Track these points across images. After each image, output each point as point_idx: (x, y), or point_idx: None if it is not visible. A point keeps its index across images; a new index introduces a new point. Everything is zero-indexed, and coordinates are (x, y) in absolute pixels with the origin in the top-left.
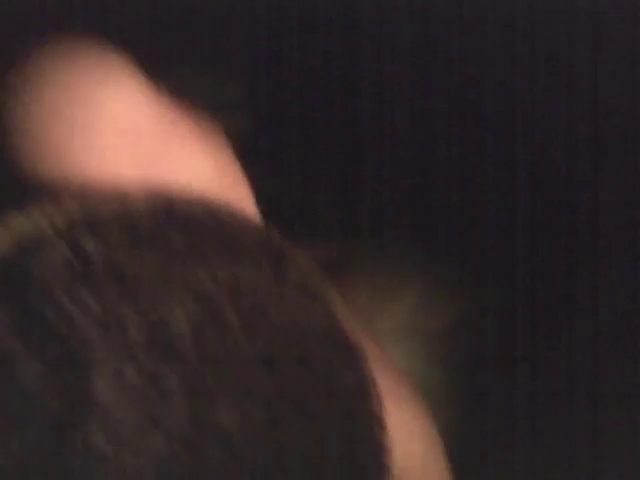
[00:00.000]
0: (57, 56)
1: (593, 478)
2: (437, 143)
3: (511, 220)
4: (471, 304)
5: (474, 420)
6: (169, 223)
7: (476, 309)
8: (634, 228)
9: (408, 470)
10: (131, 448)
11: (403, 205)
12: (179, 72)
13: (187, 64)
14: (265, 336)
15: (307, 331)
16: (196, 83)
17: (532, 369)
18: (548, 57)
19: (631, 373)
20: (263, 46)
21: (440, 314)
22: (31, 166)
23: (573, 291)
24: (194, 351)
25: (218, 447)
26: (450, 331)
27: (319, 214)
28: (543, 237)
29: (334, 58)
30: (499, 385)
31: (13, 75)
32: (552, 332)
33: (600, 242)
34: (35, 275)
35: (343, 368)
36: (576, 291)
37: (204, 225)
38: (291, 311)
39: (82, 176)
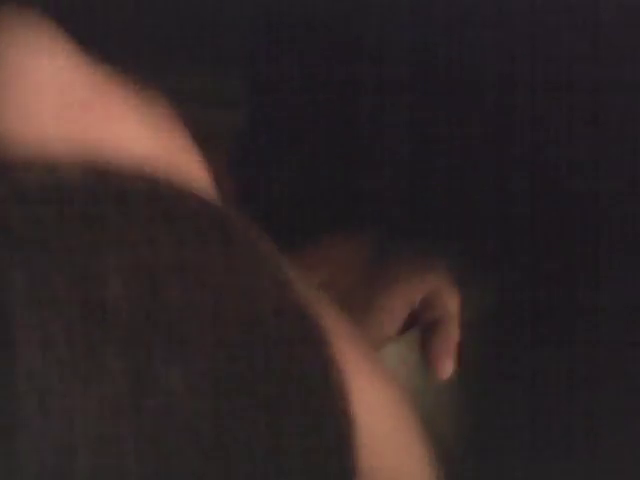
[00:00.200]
0: None
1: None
2: (437, 145)
3: (511, 228)
4: (472, 307)
5: (474, 426)
6: (103, 193)
7: (476, 311)
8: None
9: (379, 450)
10: (60, 414)
11: (402, 204)
12: (178, 70)
13: (186, 61)
14: (210, 303)
15: (256, 295)
16: (194, 80)
17: (531, 375)
18: (548, 58)
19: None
20: (262, 44)
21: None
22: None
23: (574, 309)
24: (130, 319)
25: (158, 402)
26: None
27: (318, 212)
28: (544, 244)
29: (334, 58)
30: (498, 391)
31: None
32: (553, 338)
33: (601, 245)
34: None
35: (295, 330)
36: (578, 316)
37: (140, 194)
38: (238, 276)
39: (9, 144)
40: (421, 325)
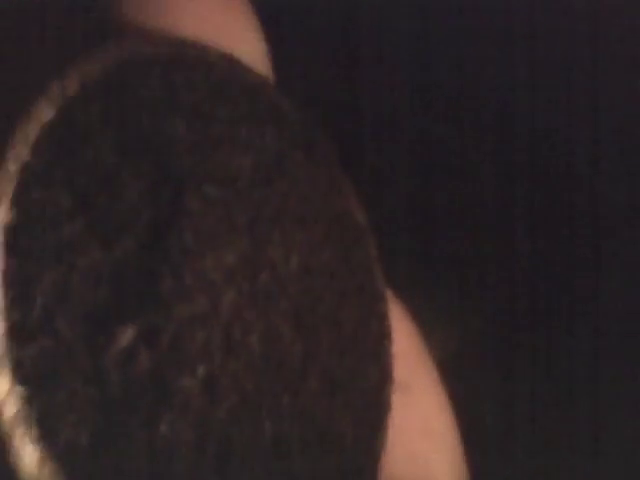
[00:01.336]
0: None
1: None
2: (437, 151)
3: (511, 249)
4: (470, 334)
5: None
6: (237, 83)
7: (475, 339)
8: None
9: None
10: (213, 250)
11: (400, 225)
12: None
13: None
14: (295, 204)
15: (326, 209)
16: None
17: (531, 403)
18: (548, 58)
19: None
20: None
21: (439, 345)
22: (129, 13)
23: (574, 323)
24: (251, 192)
25: (268, 274)
26: (448, 363)
27: None
28: (541, 259)
29: (334, 58)
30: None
31: None
32: (552, 362)
33: (601, 259)
34: (132, 98)
35: (355, 245)
36: (578, 323)
37: (262, 94)
38: (315, 188)
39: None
40: None
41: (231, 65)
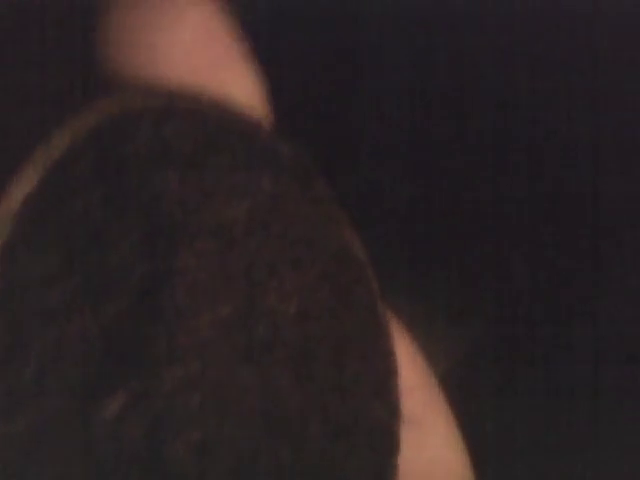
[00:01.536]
0: None
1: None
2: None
3: (509, 255)
4: (469, 345)
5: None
6: (231, 130)
7: (475, 351)
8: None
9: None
10: (207, 306)
11: (399, 231)
12: None
13: None
14: (292, 245)
15: (323, 247)
16: None
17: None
18: (548, 59)
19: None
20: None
21: (438, 357)
22: (119, 65)
23: (573, 326)
24: (247, 240)
25: (267, 323)
26: (448, 374)
27: None
28: (542, 269)
29: (334, 60)
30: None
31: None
32: (552, 374)
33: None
34: (123, 153)
35: (355, 283)
36: (578, 326)
37: (257, 138)
38: (312, 227)
39: (159, 78)
40: None
41: (224, 113)
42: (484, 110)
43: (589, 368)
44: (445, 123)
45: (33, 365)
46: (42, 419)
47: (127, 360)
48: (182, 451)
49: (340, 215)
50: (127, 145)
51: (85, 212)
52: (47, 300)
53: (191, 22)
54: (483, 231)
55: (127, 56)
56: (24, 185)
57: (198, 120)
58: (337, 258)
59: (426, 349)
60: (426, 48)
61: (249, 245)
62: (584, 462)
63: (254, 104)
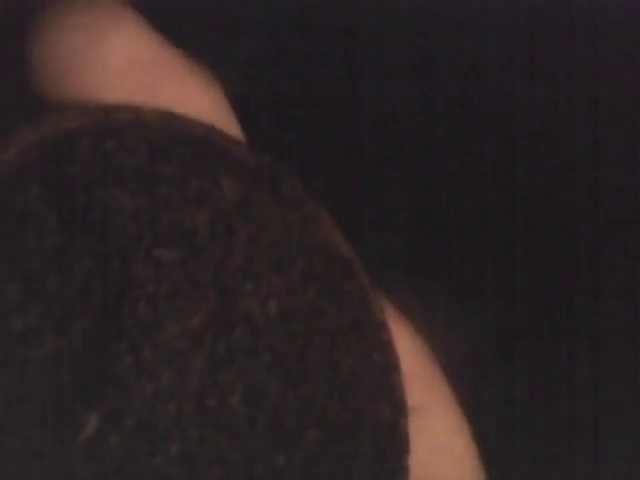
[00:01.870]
0: (74, 6)
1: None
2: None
3: (511, 241)
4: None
5: None
6: (179, 138)
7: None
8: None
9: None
10: (168, 316)
11: (400, 229)
12: None
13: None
14: (268, 248)
15: (303, 246)
16: None
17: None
18: (548, 58)
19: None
20: (262, 46)
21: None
22: (51, 90)
23: (574, 323)
24: (212, 246)
25: (244, 328)
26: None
27: None
28: (542, 262)
29: (334, 60)
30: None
31: (39, 21)
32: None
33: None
34: (67, 173)
35: (343, 279)
36: (577, 324)
37: (209, 144)
38: (288, 227)
39: (94, 99)
40: None
41: (169, 121)
42: (484, 111)
43: (589, 363)
44: (445, 124)
45: (0, 395)
46: (17, 448)
47: (97, 380)
48: (163, 464)
49: (319, 213)
50: (70, 165)
51: (37, 236)
52: (9, 328)
53: (119, 42)
54: (485, 228)
55: (59, 79)
56: None
57: (139, 132)
58: (321, 255)
59: (428, 344)
60: (426, 49)
61: (215, 252)
62: (584, 462)
63: (211, 114)
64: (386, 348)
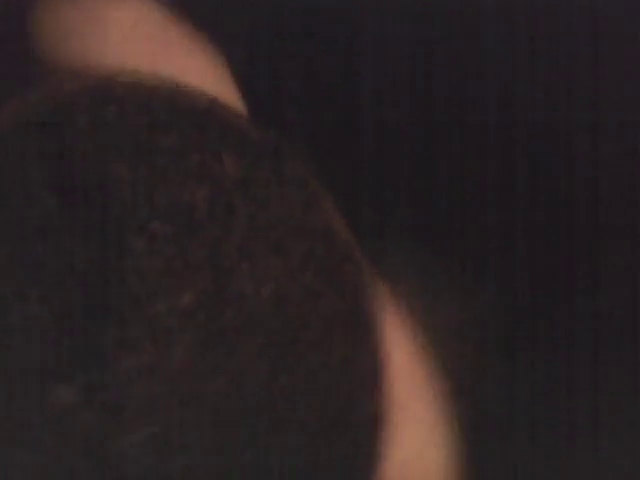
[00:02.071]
0: None
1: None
2: (437, 147)
3: (511, 226)
4: (471, 308)
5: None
6: (180, 109)
7: (477, 313)
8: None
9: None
10: (159, 291)
11: (403, 207)
12: None
13: None
14: (267, 228)
15: (304, 229)
16: None
17: (532, 376)
18: (548, 58)
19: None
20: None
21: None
22: (54, 58)
23: (574, 304)
24: (210, 224)
25: (236, 309)
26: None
27: None
28: (543, 244)
29: (335, 61)
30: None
31: None
32: (553, 341)
33: (600, 247)
34: (65, 138)
35: (342, 261)
36: (577, 308)
37: (212, 116)
38: (289, 208)
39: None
40: None
41: (171, 90)
42: (484, 109)
43: (589, 364)
44: (444, 119)
45: None
46: None
47: (79, 351)
48: (128, 446)
49: (321, 195)
50: (68, 130)
51: (30, 200)
52: None
53: (122, 13)
54: (486, 226)
55: (63, 46)
56: None
57: (140, 100)
58: (322, 239)
59: (430, 325)
60: (426, 44)
61: (213, 229)
62: (584, 462)
63: (213, 89)
64: (378, 344)
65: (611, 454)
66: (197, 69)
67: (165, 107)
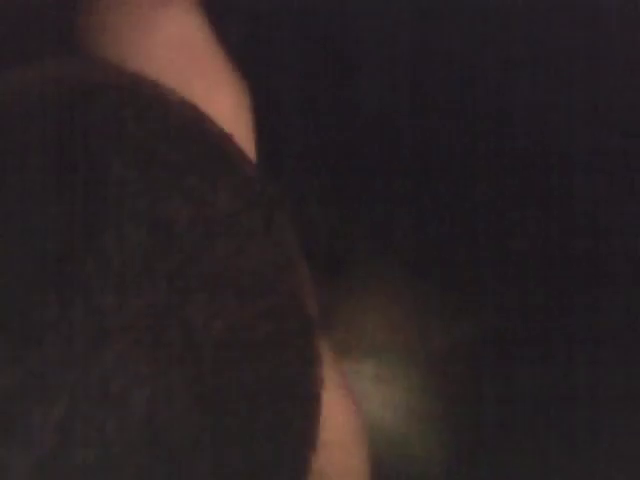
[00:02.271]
0: None
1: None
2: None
3: (506, 239)
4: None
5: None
6: (196, 135)
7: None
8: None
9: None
10: (122, 289)
11: (400, 225)
12: None
13: None
14: (236, 269)
15: (272, 287)
16: None
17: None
18: (548, 57)
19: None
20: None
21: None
22: (95, 48)
23: (571, 323)
24: (184, 243)
25: (179, 332)
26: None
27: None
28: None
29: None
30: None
31: None
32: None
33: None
34: (77, 123)
35: (297, 337)
36: (574, 327)
37: (222, 155)
38: (265, 262)
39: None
40: None
41: (192, 112)
42: (483, 112)
43: (588, 365)
44: (444, 123)
45: None
46: None
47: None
48: (39, 425)
49: (299, 261)
50: (81, 117)
51: (24, 170)
52: None
53: (166, 20)
54: (484, 230)
55: (101, 41)
56: None
57: (161, 110)
58: (285, 306)
59: (425, 343)
60: (425, 46)
61: (184, 250)
62: (584, 462)
63: (230, 116)
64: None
65: (611, 459)
66: (220, 94)
67: (181, 124)
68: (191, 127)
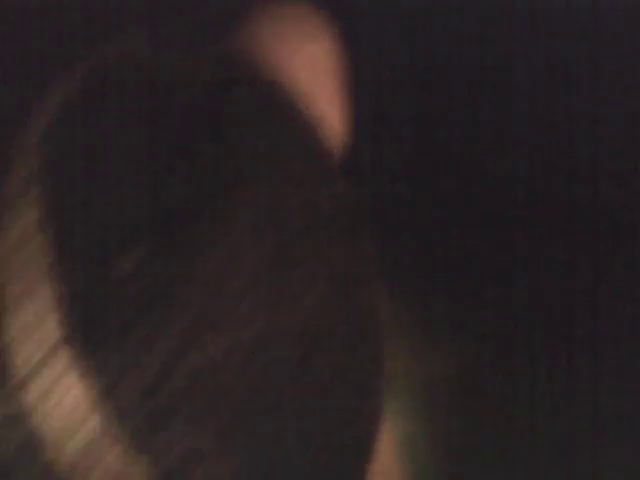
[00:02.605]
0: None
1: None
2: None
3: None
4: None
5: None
6: (316, 144)
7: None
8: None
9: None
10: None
11: (396, 249)
12: None
13: None
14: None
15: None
16: None
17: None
18: (548, 57)
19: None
20: None
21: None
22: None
23: (574, 339)
24: (271, 231)
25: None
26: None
27: None
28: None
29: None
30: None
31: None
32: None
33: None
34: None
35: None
36: (578, 340)
37: (318, 154)
38: (342, 281)
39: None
40: None
41: (316, 125)
42: (483, 112)
43: (588, 374)
44: (445, 123)
45: None
46: None
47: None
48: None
49: (376, 276)
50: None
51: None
52: None
53: (312, 51)
54: (484, 240)
55: (259, 49)
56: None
57: (275, 104)
58: (359, 325)
59: (427, 355)
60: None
61: (291, 228)
62: (584, 462)
63: (332, 133)
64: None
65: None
66: (331, 113)
67: (289, 120)
68: (313, 139)
